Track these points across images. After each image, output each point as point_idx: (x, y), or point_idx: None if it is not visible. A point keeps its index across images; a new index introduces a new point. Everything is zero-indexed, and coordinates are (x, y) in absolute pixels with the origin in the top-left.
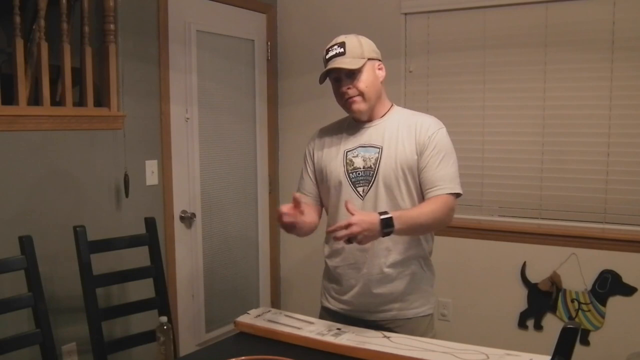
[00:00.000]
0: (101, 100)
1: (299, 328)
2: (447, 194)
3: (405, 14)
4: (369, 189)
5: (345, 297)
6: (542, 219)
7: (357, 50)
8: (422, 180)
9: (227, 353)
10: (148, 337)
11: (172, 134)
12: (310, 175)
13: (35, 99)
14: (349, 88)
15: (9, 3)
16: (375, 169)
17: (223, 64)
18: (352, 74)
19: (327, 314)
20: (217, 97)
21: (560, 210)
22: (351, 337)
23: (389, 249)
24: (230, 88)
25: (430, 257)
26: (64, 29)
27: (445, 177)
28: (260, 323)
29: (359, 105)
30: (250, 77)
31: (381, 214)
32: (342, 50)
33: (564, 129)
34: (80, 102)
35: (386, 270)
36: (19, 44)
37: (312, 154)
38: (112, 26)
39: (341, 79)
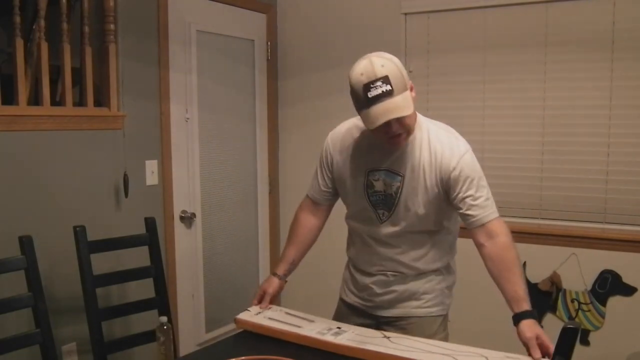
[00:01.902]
0: (101, 100)
1: (299, 327)
2: (493, 219)
3: (405, 14)
4: (390, 216)
5: (362, 294)
6: (542, 219)
7: (401, 82)
8: (462, 212)
9: (227, 353)
10: (148, 337)
11: (172, 134)
12: (322, 180)
13: (35, 99)
14: (398, 127)
15: (9, 3)
16: (396, 198)
17: (223, 64)
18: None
19: (343, 306)
20: (217, 97)
21: (560, 210)
22: (351, 337)
23: (411, 265)
24: (230, 88)
25: (453, 260)
26: (64, 29)
27: (485, 203)
28: (260, 321)
29: (405, 140)
30: (250, 77)
31: (522, 316)
32: (389, 87)
33: (564, 129)
34: (80, 102)
35: (404, 274)
36: (19, 44)
37: (330, 161)
38: (112, 26)
39: (389, 121)
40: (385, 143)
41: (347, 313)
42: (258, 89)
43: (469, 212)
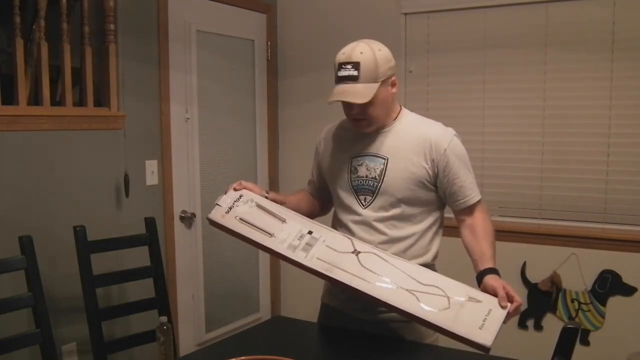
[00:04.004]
0: (101, 100)
1: (270, 234)
2: (478, 200)
3: (405, 14)
4: (373, 200)
5: (345, 296)
6: (542, 219)
7: (371, 73)
8: (450, 192)
9: (227, 353)
10: (148, 337)
11: (172, 134)
12: (315, 169)
13: (35, 99)
14: (357, 112)
15: (9, 3)
16: (379, 181)
17: (223, 64)
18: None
19: (326, 310)
20: (217, 97)
21: (560, 210)
22: (322, 254)
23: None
24: (230, 88)
25: (435, 261)
26: (64, 29)
27: (471, 185)
28: (231, 223)
29: (365, 128)
30: (250, 77)
31: (486, 272)
32: (355, 73)
33: (564, 129)
34: (80, 102)
35: None
36: (19, 44)
37: (319, 151)
38: (112, 26)
39: (350, 103)
40: (352, 126)
41: (330, 317)
42: (258, 89)
43: (457, 193)
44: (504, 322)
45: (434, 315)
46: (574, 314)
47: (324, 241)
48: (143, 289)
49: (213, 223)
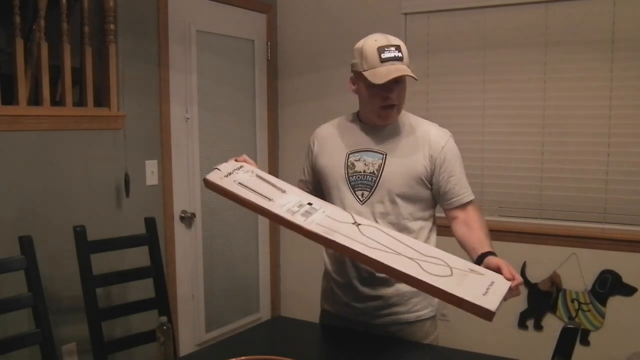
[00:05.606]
0: (101, 100)
1: (269, 199)
2: (471, 200)
3: (405, 14)
4: (370, 195)
5: (346, 301)
6: (542, 219)
7: (407, 57)
8: (445, 190)
9: (227, 353)
10: (148, 337)
11: (172, 134)
12: (307, 168)
13: (35, 99)
14: (396, 96)
15: (9, 3)
16: (378, 175)
17: (223, 64)
18: (400, 83)
19: (327, 317)
20: (217, 97)
21: (560, 210)
22: (321, 220)
23: None
24: (230, 88)
25: None
26: (64, 29)
27: (466, 185)
28: (230, 186)
29: (395, 115)
30: (250, 77)
31: (487, 254)
32: (399, 54)
33: (564, 129)
34: (80, 102)
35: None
36: (19, 44)
37: (312, 148)
38: (112, 26)
39: (392, 86)
40: (377, 115)
41: (331, 322)
42: (258, 89)
43: (451, 191)
44: (504, 298)
45: (437, 279)
46: (574, 314)
47: (324, 212)
48: (143, 289)
49: (210, 184)
